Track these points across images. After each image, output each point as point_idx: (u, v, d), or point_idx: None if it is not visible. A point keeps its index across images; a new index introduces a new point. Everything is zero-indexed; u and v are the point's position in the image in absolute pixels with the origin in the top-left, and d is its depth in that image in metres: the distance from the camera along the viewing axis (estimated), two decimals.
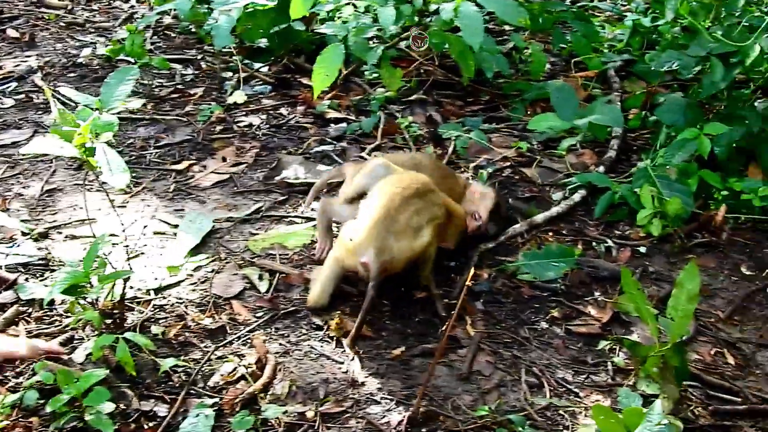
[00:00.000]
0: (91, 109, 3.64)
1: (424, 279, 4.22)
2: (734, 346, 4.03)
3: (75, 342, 3.79)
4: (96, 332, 3.74)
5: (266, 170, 5.37)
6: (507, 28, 7.43)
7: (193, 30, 7.47)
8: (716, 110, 5.52)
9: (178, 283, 4.25)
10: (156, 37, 7.53)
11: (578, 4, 7.87)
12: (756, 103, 5.48)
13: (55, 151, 3.48)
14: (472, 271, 3.42)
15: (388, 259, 3.94)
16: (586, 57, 6.75)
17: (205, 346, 3.84)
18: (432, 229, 4.11)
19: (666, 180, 4.86)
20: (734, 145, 5.06)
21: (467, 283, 3.27)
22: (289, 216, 4.87)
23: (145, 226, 4.67)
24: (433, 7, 5.80)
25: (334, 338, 3.91)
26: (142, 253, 4.46)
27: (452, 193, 4.56)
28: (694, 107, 5.24)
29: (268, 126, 5.95)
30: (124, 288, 3.80)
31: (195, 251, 4.49)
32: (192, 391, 3.57)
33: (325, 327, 3.97)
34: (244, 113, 6.12)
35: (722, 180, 4.93)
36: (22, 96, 6.28)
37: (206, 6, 6.77)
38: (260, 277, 4.31)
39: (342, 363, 3.77)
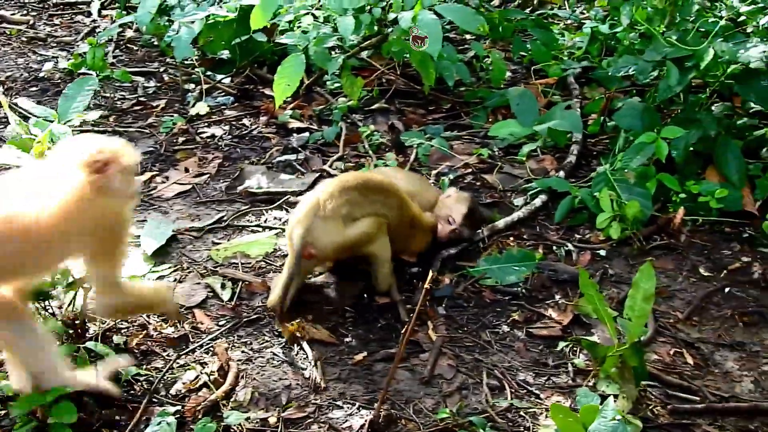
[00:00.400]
0: (49, 120, 3.66)
1: (382, 282, 4.25)
2: (693, 346, 4.07)
3: None
4: (58, 342, 3.71)
5: (229, 180, 5.38)
6: (468, 36, 7.48)
7: (156, 43, 7.47)
8: (673, 114, 5.58)
9: None
10: (118, 50, 7.51)
11: (537, 13, 7.93)
12: (712, 107, 5.55)
13: (13, 161, 3.48)
14: (431, 274, 3.44)
15: (312, 240, 3.99)
16: (545, 64, 6.82)
17: (168, 355, 3.84)
18: (372, 224, 4.13)
19: (625, 184, 4.91)
20: (691, 148, 5.09)
21: (426, 286, 3.28)
22: (252, 225, 4.88)
23: None
24: (392, 16, 5.83)
25: (296, 344, 3.92)
26: None
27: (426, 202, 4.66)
28: (652, 111, 5.29)
29: (230, 136, 5.96)
30: (86, 298, 3.79)
31: (158, 260, 4.50)
32: (154, 399, 3.58)
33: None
34: (206, 124, 6.13)
35: (680, 183, 4.97)
36: None
37: (167, 19, 6.78)
38: (223, 286, 4.32)
39: (305, 369, 3.79)
